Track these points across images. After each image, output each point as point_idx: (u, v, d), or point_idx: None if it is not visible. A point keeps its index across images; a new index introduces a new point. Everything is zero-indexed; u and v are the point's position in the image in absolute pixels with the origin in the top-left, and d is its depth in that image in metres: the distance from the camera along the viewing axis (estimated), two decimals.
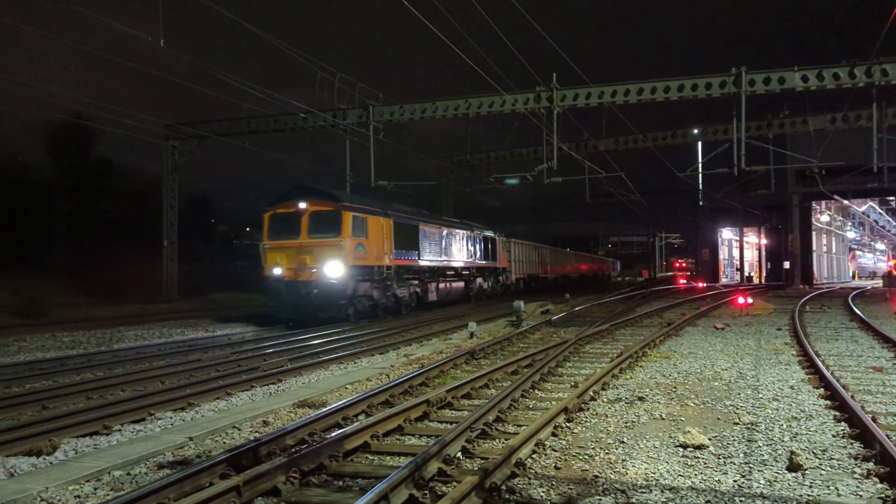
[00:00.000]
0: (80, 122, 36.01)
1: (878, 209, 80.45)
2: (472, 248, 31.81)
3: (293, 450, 6.34)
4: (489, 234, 34.88)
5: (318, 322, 20.50)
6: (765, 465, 6.10)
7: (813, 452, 6.42)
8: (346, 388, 10.41)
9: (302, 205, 20.21)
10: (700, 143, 36.45)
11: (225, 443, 7.31)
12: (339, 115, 27.50)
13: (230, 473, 5.65)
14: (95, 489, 5.83)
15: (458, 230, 30.08)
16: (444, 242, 28.14)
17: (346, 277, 19.79)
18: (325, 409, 7.92)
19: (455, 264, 29.45)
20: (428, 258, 26.16)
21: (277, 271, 20.10)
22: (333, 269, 19.58)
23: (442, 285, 27.94)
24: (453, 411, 8.61)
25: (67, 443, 7.39)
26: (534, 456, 6.40)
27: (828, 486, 5.50)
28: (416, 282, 25.34)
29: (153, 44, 16.93)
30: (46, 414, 8.81)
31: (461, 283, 30.51)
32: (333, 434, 6.70)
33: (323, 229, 20.04)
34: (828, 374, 9.88)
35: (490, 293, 34.90)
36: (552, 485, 5.65)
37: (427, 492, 5.47)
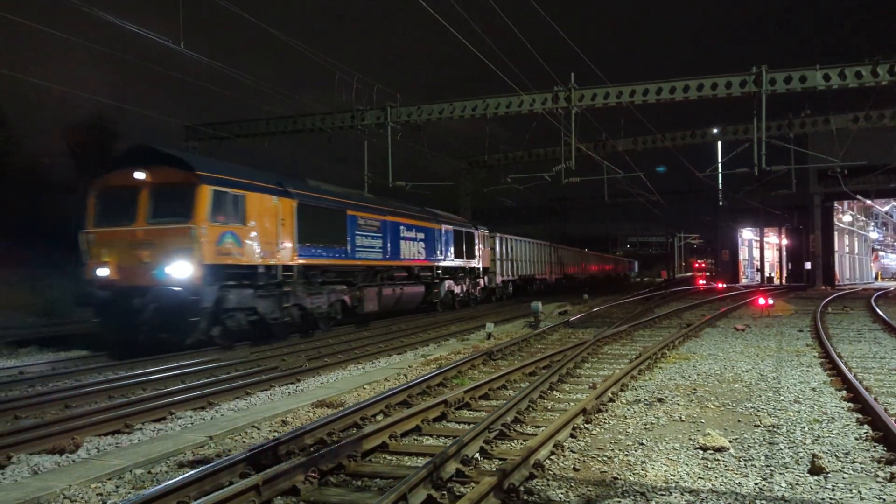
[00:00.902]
0: (102, 123, 36.41)
1: None
2: (436, 244, 25.63)
3: (312, 449, 6.37)
4: (464, 227, 29.14)
5: (169, 347, 14.06)
6: (786, 468, 6.04)
7: (835, 455, 6.34)
8: (364, 389, 10.44)
9: (139, 175, 14.12)
10: (720, 143, 36.10)
11: (244, 442, 7.36)
12: (356, 116, 27.58)
13: (250, 472, 5.69)
14: (117, 487, 5.89)
15: (413, 220, 23.93)
16: (390, 235, 21.90)
17: (202, 282, 13.73)
18: (343, 410, 7.95)
19: (410, 263, 23.39)
20: (364, 255, 20.17)
21: (102, 272, 14.09)
22: (178, 270, 13.58)
23: (388, 290, 21.72)
24: (471, 412, 8.61)
25: (90, 441, 7.48)
26: (552, 457, 6.38)
27: (850, 490, 5.44)
28: (344, 287, 19.19)
29: (173, 46, 17.09)
30: (69, 413, 8.93)
31: (419, 288, 24.23)
32: (352, 434, 6.72)
33: (169, 210, 14.05)
34: (850, 376, 9.76)
35: (465, 299, 28.99)
36: (571, 486, 5.63)
37: (445, 492, 5.47)
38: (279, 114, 29.94)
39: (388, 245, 21.93)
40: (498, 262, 33.00)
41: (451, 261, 27.21)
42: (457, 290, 28.02)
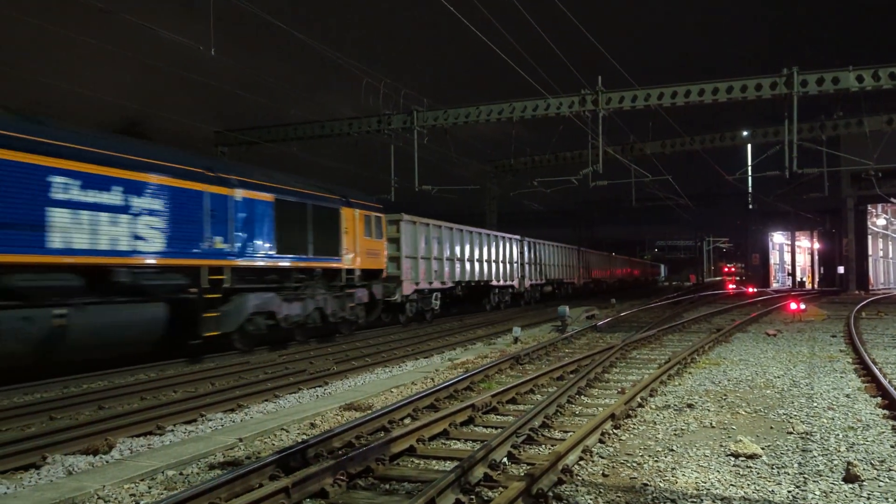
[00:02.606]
0: (134, 128, 36.94)
1: None
2: (208, 222, 13.59)
3: (340, 452, 6.40)
4: (311, 198, 16.92)
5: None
6: (820, 475, 5.94)
7: (871, 463, 6.22)
8: (392, 392, 10.47)
9: None
10: (749, 146, 35.70)
11: (273, 444, 7.42)
12: (383, 121, 27.74)
13: (279, 475, 5.74)
14: (150, 488, 5.97)
15: (122, 169, 11.88)
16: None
17: None
18: (371, 413, 7.98)
19: (139, 260, 12.07)
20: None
21: None
22: None
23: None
24: (498, 416, 8.59)
25: (123, 442, 7.59)
26: (581, 462, 6.34)
27: (887, 499, 5.33)
28: None
29: (204, 52, 17.33)
30: (102, 414, 9.08)
31: (142, 311, 12.23)
32: (380, 437, 6.75)
33: None
34: (885, 382, 9.57)
35: (310, 324, 17.09)
36: (600, 492, 5.59)
37: (473, 497, 5.47)
38: (307, 118, 30.24)
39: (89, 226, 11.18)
40: (411, 264, 23.05)
41: (264, 257, 15.16)
42: (293, 313, 16.18)
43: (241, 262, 14.47)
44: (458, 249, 26.31)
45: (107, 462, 6.82)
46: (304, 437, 7.60)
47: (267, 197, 15.35)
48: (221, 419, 8.83)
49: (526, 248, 34.08)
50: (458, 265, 26.28)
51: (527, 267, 34.11)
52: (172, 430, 8.22)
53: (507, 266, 31.68)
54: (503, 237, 31.41)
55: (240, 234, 14.47)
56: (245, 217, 14.65)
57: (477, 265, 28.08)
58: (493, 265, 29.85)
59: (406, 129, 27.58)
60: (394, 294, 21.61)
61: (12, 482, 6.22)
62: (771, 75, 22.88)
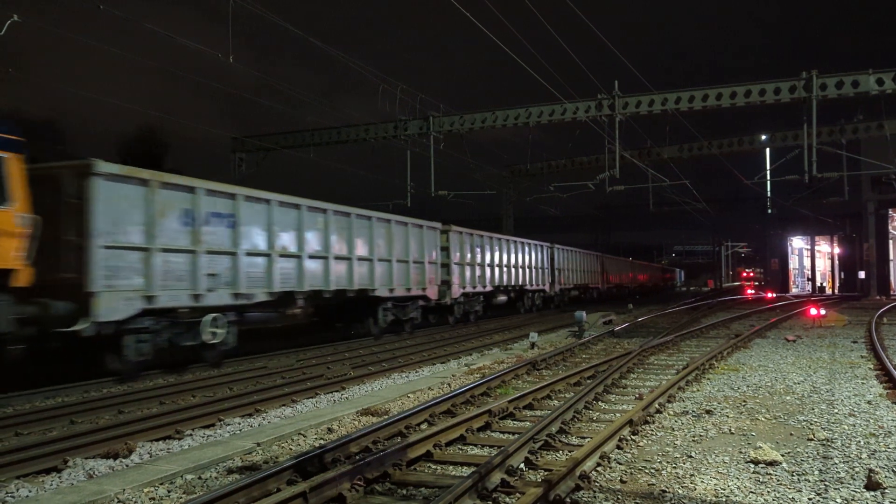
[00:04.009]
0: (153, 135, 37.41)
1: None
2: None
3: (357, 457, 6.42)
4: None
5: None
6: (841, 483, 5.87)
7: (893, 471, 6.14)
8: (409, 397, 10.48)
9: None
10: (768, 150, 35.42)
11: (291, 449, 7.45)
12: (400, 126, 27.83)
13: (297, 479, 5.76)
14: (169, 492, 6.02)
15: None
16: None
17: None
18: (388, 418, 7.99)
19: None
20: None
21: None
22: None
23: None
24: (515, 422, 8.57)
25: (142, 446, 7.65)
26: (598, 469, 6.31)
27: None
28: None
29: (222, 59, 17.49)
30: (122, 418, 9.16)
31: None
32: (397, 442, 6.76)
33: None
34: None
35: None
36: (618, 498, 5.56)
37: (491, 502, 5.46)
38: (323, 125, 30.41)
39: None
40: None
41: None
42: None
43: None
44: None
45: (127, 466, 6.89)
46: (322, 441, 7.63)
47: None
48: (239, 424, 8.88)
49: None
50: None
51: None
52: (191, 435, 8.28)
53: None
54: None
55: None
56: None
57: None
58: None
59: (422, 135, 27.64)
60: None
61: (34, 485, 6.30)
62: (790, 79, 22.71)
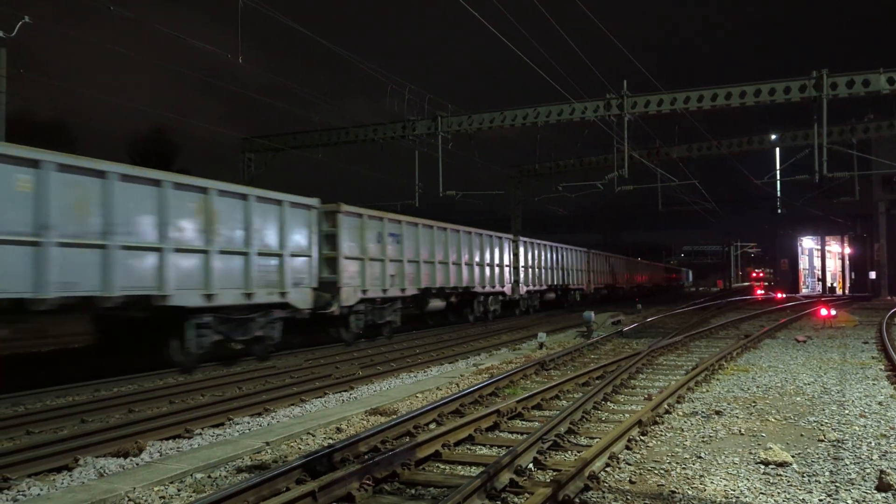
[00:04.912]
0: (163, 135, 37.54)
1: None
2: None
3: (366, 457, 6.43)
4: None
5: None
6: (852, 484, 5.84)
7: None
8: (417, 397, 10.49)
9: None
10: (778, 149, 35.24)
11: (300, 448, 7.47)
12: (408, 126, 27.82)
13: (306, 479, 5.78)
14: (179, 490, 6.04)
15: None
16: None
17: None
18: (396, 418, 8.00)
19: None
20: None
21: None
22: None
23: None
24: (524, 422, 8.56)
25: (152, 445, 7.69)
26: (607, 469, 6.30)
27: None
28: None
29: (231, 60, 17.54)
30: (132, 417, 9.20)
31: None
32: (405, 442, 6.76)
33: None
34: None
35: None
36: (627, 499, 5.55)
37: (499, 502, 5.46)
38: (332, 125, 30.43)
39: None
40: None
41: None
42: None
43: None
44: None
45: (137, 464, 6.92)
46: (331, 441, 7.64)
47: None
48: (248, 423, 8.91)
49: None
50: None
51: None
52: (201, 434, 8.31)
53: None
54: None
55: None
56: None
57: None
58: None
59: (430, 135, 27.62)
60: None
61: (45, 484, 6.33)
62: (800, 78, 22.57)
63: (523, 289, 30.10)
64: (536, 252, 32.08)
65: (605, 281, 45.06)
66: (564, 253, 36.32)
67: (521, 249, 30.03)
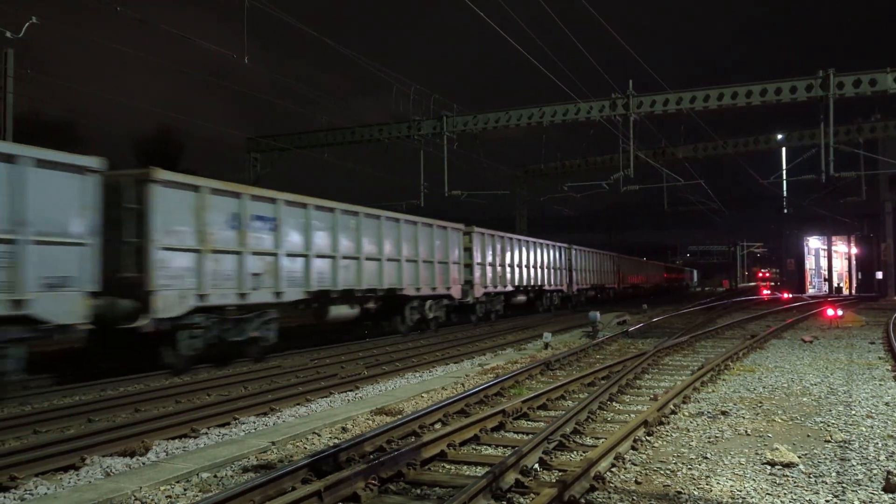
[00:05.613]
0: (169, 135, 37.64)
1: None
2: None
3: (372, 456, 6.43)
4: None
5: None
6: (859, 485, 5.82)
7: None
8: (422, 397, 10.49)
9: None
10: (784, 149, 35.12)
11: (306, 448, 7.48)
12: (413, 126, 27.84)
13: (311, 478, 5.78)
14: (185, 490, 6.06)
15: None
16: None
17: None
18: (402, 417, 8.00)
19: None
20: None
21: None
22: None
23: None
24: (529, 422, 8.56)
25: (158, 444, 7.70)
26: (613, 469, 6.29)
27: None
28: None
29: (237, 60, 17.58)
30: (139, 416, 9.23)
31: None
32: (411, 442, 6.77)
33: None
34: None
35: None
36: (633, 499, 5.54)
37: (505, 503, 5.46)
38: (338, 125, 30.48)
39: None
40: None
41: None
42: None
43: None
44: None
45: (143, 464, 6.94)
46: (336, 441, 7.65)
47: None
48: (254, 423, 8.92)
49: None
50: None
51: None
52: (206, 433, 8.33)
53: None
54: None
55: None
56: None
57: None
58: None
59: (436, 135, 27.64)
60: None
61: (52, 483, 6.35)
62: (806, 77, 22.51)
63: (479, 291, 24.46)
64: (499, 247, 26.52)
65: (592, 281, 40.65)
66: (537, 249, 30.83)
67: (477, 243, 24.39)
